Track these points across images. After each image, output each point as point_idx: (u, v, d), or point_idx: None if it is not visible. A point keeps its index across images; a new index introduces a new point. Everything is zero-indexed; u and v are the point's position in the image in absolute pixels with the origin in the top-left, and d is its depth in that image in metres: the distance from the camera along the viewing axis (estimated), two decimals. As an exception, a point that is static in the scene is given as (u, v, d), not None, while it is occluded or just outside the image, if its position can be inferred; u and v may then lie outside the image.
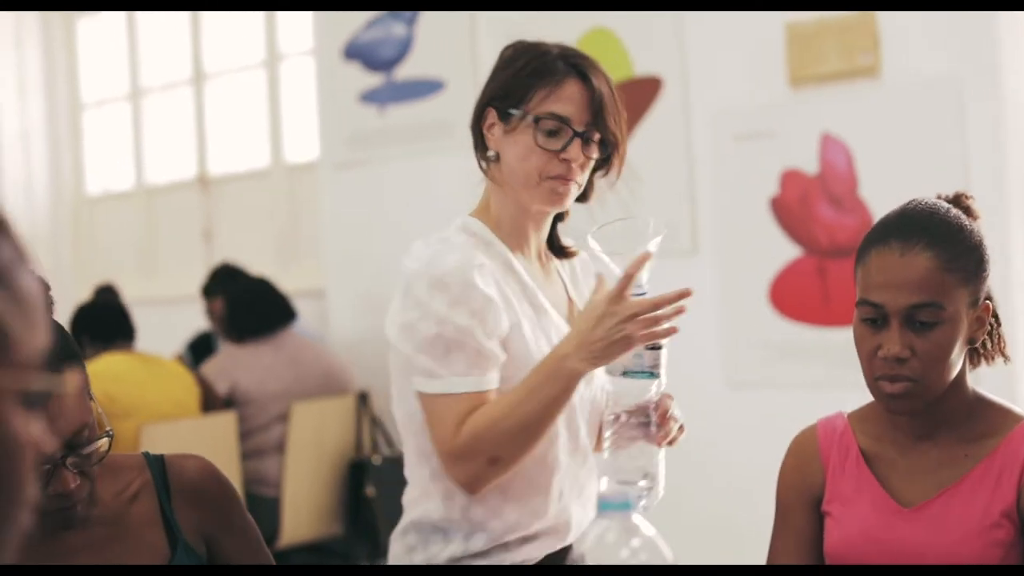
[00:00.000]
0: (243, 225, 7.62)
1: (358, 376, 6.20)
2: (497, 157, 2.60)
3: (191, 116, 7.84)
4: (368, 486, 5.67)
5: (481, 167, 2.67)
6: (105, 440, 2.10)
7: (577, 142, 2.54)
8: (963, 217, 2.23)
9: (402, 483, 6.06)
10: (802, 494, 2.37)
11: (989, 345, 2.30)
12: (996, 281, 2.30)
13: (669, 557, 1.54)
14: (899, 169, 4.55)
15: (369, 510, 5.66)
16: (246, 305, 5.72)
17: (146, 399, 5.11)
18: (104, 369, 5.08)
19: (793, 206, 4.84)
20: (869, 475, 2.28)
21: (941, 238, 2.17)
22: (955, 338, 2.16)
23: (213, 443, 5.08)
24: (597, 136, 2.56)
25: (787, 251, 4.91)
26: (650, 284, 4.06)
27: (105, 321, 5.41)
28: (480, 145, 2.64)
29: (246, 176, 7.62)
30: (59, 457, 2.02)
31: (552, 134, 2.53)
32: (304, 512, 5.55)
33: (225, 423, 5.28)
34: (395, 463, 5.84)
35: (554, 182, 2.55)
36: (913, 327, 2.15)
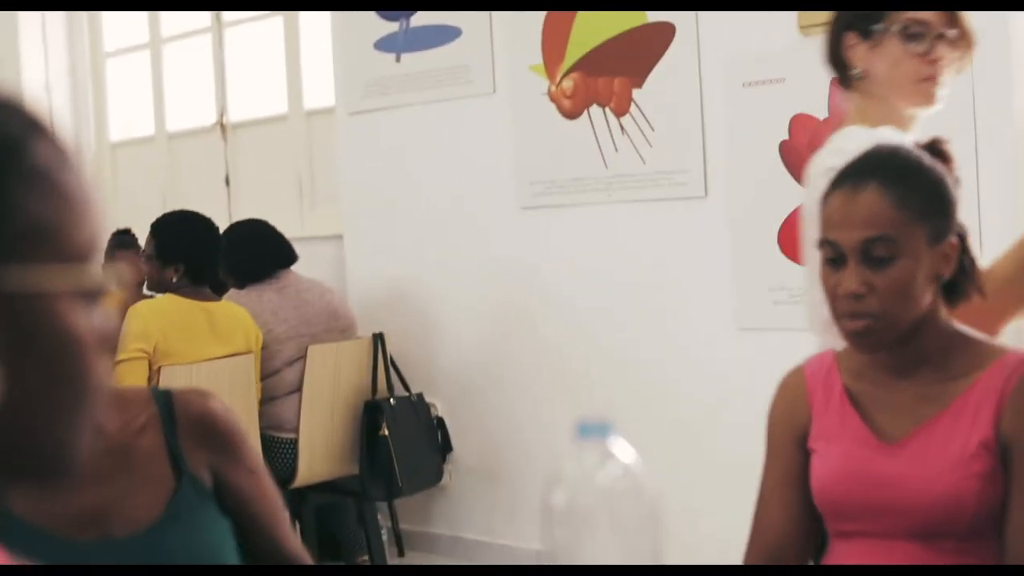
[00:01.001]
0: (262, 171, 7.66)
1: (374, 318, 6.26)
2: (862, 75, 2.85)
3: (210, 63, 7.87)
4: (383, 426, 5.72)
5: (843, 86, 2.93)
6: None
7: (939, 42, 2.78)
8: (925, 158, 2.28)
9: (416, 423, 6.10)
10: (789, 431, 2.41)
11: (964, 282, 2.32)
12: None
13: (649, 484, 1.53)
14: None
15: (384, 450, 5.71)
16: (242, 248, 5.73)
17: (201, 349, 5.16)
18: (167, 308, 5.17)
19: (803, 150, 4.87)
20: (852, 412, 2.32)
21: (892, 176, 2.22)
22: (914, 274, 2.20)
23: (231, 386, 5.11)
24: (954, 32, 2.79)
25: (797, 195, 4.94)
26: (661, 228, 4.08)
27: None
28: (841, 67, 2.90)
29: (265, 122, 7.64)
30: None
31: (916, 38, 2.78)
32: (320, 452, 5.61)
33: (244, 366, 5.32)
34: (409, 403, 5.93)
35: (925, 84, 2.80)
36: (870, 264, 2.20)
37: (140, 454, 2.24)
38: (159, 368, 4.89)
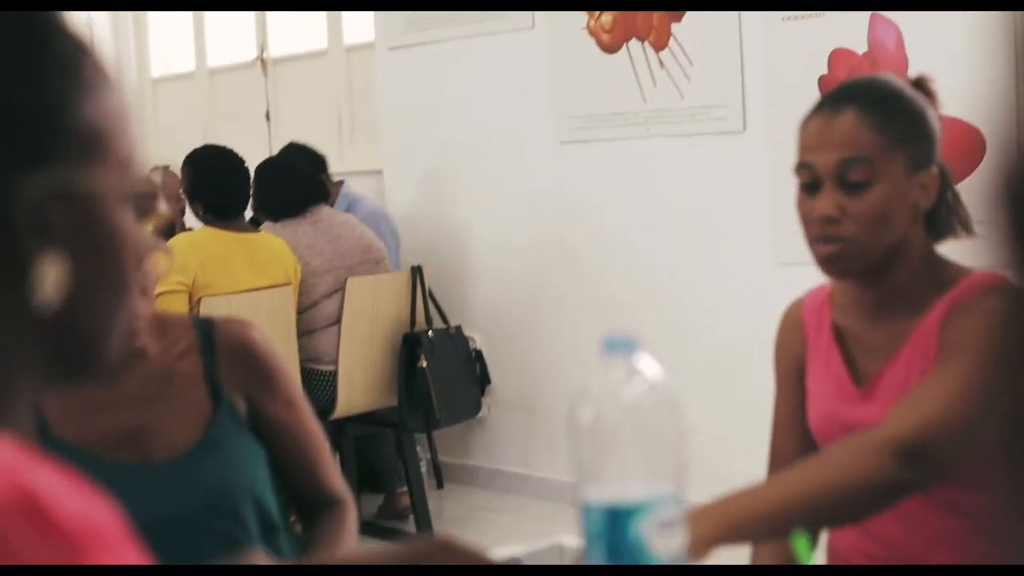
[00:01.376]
0: (302, 106, 7.68)
1: (414, 252, 6.29)
2: None
3: (251, -2, 7.88)
4: (422, 358, 5.76)
5: None
6: (165, 261, 2.22)
7: None
8: (907, 88, 2.23)
9: (454, 355, 6.13)
10: (789, 366, 2.41)
11: (948, 216, 2.25)
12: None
13: (675, 401, 1.54)
14: (947, 49, 4.55)
15: (423, 381, 5.75)
16: (274, 184, 5.76)
17: (239, 281, 5.20)
18: (204, 240, 5.22)
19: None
20: (836, 353, 2.30)
21: (871, 100, 2.18)
22: (890, 200, 2.15)
23: (270, 317, 5.14)
24: None
25: (835, 130, 4.93)
26: (699, 163, 3.99)
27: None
28: None
29: (305, 57, 7.66)
30: None
31: None
32: (359, 384, 5.65)
33: (283, 297, 5.36)
34: (448, 336, 5.96)
35: None
36: (846, 188, 2.15)
37: (179, 379, 2.28)
38: (199, 300, 4.93)
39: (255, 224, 5.86)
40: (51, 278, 0.97)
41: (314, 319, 5.59)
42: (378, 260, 5.81)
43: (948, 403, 1.98)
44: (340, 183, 6.51)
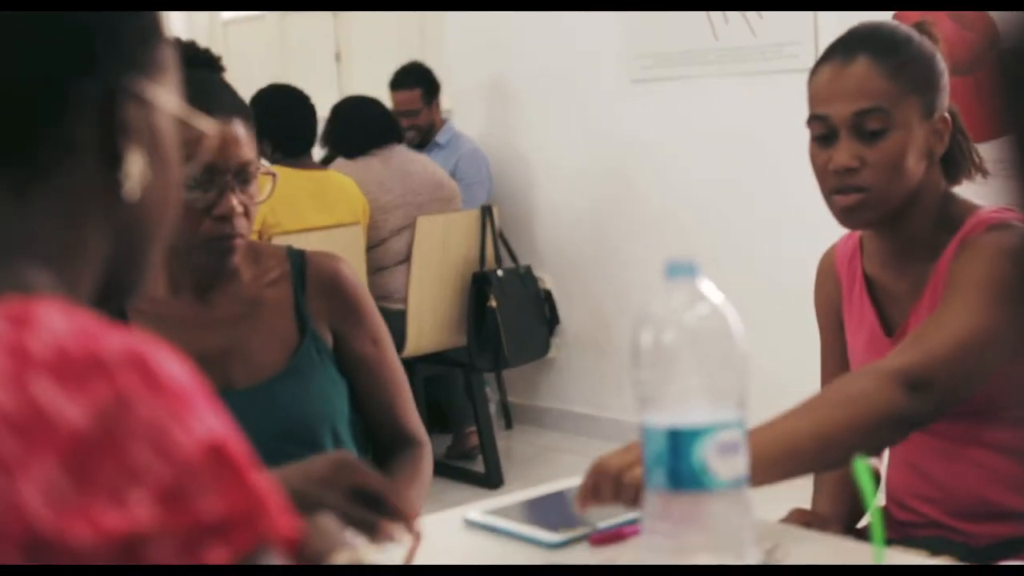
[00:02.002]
0: (374, 49, 7.67)
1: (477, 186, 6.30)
2: None
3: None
4: (492, 298, 5.76)
5: None
6: (268, 184, 2.28)
7: None
8: (914, 33, 2.20)
9: (523, 293, 6.13)
10: (829, 315, 2.42)
11: (962, 161, 2.24)
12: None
13: (735, 326, 1.54)
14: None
15: (493, 321, 5.75)
16: (350, 123, 5.79)
17: (308, 218, 5.23)
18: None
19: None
20: (868, 303, 2.30)
21: (883, 47, 2.15)
22: (907, 147, 2.13)
23: (344, 255, 5.16)
24: None
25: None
26: (771, 101, 3.94)
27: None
28: None
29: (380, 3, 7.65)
30: (227, 181, 2.19)
31: None
32: (429, 323, 5.67)
33: (353, 236, 5.38)
34: (517, 276, 5.96)
35: None
36: (862, 137, 2.13)
37: (269, 306, 2.33)
38: (268, 239, 4.95)
39: (326, 163, 5.89)
40: (136, 170, 1.09)
41: (383, 256, 5.62)
42: (449, 198, 5.82)
43: (952, 334, 1.98)
44: (445, 120, 6.60)
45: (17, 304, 0.96)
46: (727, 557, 1.50)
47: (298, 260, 2.36)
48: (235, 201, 2.19)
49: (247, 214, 2.22)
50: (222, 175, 2.18)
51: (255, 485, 0.93)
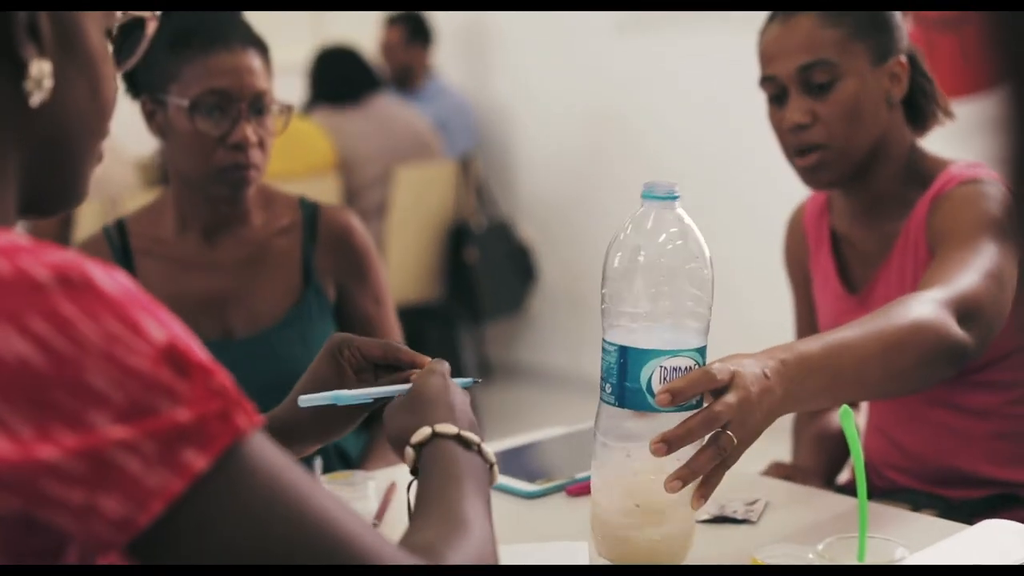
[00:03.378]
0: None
1: (460, 143, 6.26)
2: None
3: None
4: (469, 251, 5.74)
5: None
6: (282, 116, 2.26)
7: None
8: None
9: (501, 247, 6.10)
10: (797, 273, 2.40)
11: (926, 105, 2.18)
12: None
13: (707, 254, 1.55)
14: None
15: (470, 274, 5.74)
16: (329, 71, 5.77)
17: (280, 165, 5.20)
18: None
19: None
20: (831, 262, 2.27)
21: None
22: (860, 96, 2.09)
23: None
24: None
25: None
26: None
27: None
28: None
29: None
30: (240, 109, 2.18)
31: None
32: (407, 275, 5.64)
33: (328, 187, 5.35)
34: (496, 228, 5.94)
35: None
36: (811, 92, 2.09)
37: (275, 254, 2.33)
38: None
39: (306, 111, 5.87)
40: (41, 77, 1.05)
41: (360, 207, 5.60)
42: (430, 151, 5.79)
43: (976, 269, 1.92)
44: (431, 72, 6.58)
45: None
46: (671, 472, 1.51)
47: (310, 211, 2.36)
48: (249, 130, 2.18)
49: (262, 146, 2.22)
50: (236, 103, 2.18)
51: (219, 382, 0.93)
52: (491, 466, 1.28)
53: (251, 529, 0.93)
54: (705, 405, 1.53)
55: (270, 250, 2.32)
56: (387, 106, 5.77)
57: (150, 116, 2.24)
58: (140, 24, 1.17)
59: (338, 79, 5.76)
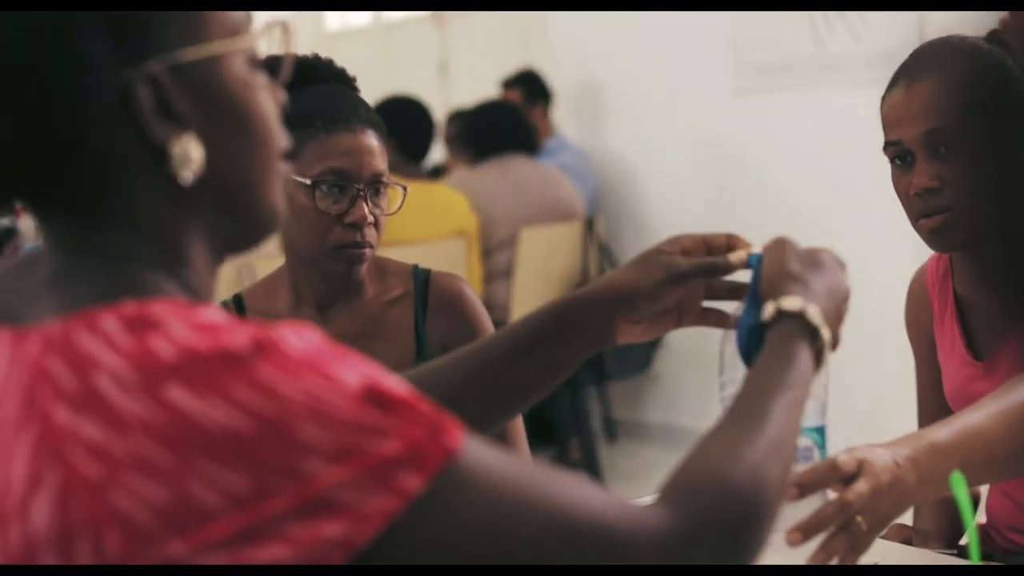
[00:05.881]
0: (477, 60, 7.68)
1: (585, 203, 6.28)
2: None
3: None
4: (593, 312, 5.72)
5: None
6: (399, 195, 2.31)
7: None
8: (983, 45, 2.10)
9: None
10: (921, 338, 2.35)
11: None
12: None
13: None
14: None
15: (595, 334, 5.72)
16: (489, 122, 5.83)
17: (419, 230, 5.23)
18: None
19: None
20: (957, 325, 2.22)
21: (945, 63, 2.07)
22: (988, 161, 2.05)
23: (446, 268, 5.15)
24: None
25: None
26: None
27: None
28: None
29: (482, 12, 7.66)
30: (359, 189, 2.22)
31: None
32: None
33: (458, 250, 5.37)
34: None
35: None
36: (938, 156, 2.05)
37: (389, 324, 2.35)
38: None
39: (436, 174, 5.93)
40: (187, 153, 1.05)
41: (490, 268, 5.61)
42: (567, 215, 5.78)
43: None
44: (554, 130, 6.63)
45: (133, 309, 0.98)
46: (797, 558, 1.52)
47: (422, 279, 2.37)
48: (367, 209, 2.22)
49: (376, 225, 2.25)
50: (355, 183, 2.22)
51: (421, 408, 0.98)
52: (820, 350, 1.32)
53: (483, 536, 0.99)
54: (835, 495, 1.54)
55: (383, 321, 2.34)
56: (524, 167, 5.81)
57: None
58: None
59: (484, 135, 5.82)
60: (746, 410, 1.20)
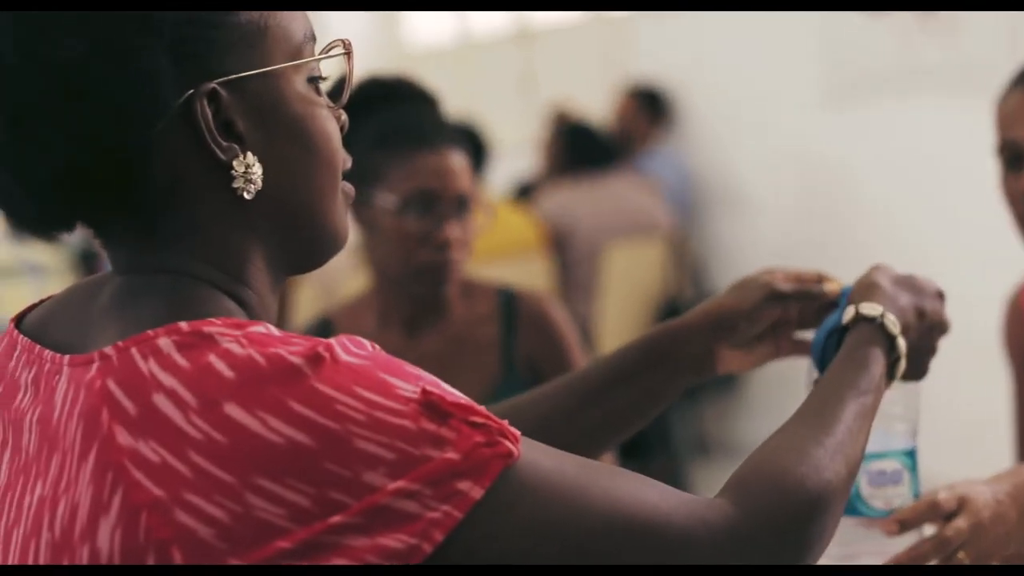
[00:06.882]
0: (561, 78, 7.67)
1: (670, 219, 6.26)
2: None
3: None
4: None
5: None
6: (483, 218, 2.32)
7: None
8: None
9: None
10: (1018, 355, 2.31)
11: None
12: None
13: None
14: None
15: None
16: (581, 140, 5.89)
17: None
18: None
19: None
20: None
21: None
22: None
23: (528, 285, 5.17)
24: None
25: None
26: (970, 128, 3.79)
27: None
28: None
29: (566, 29, 7.65)
30: (443, 210, 2.22)
31: None
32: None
33: (529, 268, 5.37)
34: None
35: None
36: None
37: (475, 343, 2.35)
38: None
39: (524, 193, 5.97)
40: (249, 170, 1.06)
41: (568, 284, 5.61)
42: (648, 228, 5.77)
43: None
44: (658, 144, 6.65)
45: (189, 329, 0.99)
46: None
47: (508, 299, 2.38)
48: (453, 230, 2.22)
49: (463, 244, 2.26)
50: (441, 203, 2.22)
51: (478, 416, 1.00)
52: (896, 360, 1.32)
53: (543, 537, 1.00)
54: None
55: (470, 340, 2.34)
56: (613, 182, 5.82)
57: (355, 210, 2.27)
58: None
59: (571, 153, 5.87)
60: (815, 411, 1.22)
